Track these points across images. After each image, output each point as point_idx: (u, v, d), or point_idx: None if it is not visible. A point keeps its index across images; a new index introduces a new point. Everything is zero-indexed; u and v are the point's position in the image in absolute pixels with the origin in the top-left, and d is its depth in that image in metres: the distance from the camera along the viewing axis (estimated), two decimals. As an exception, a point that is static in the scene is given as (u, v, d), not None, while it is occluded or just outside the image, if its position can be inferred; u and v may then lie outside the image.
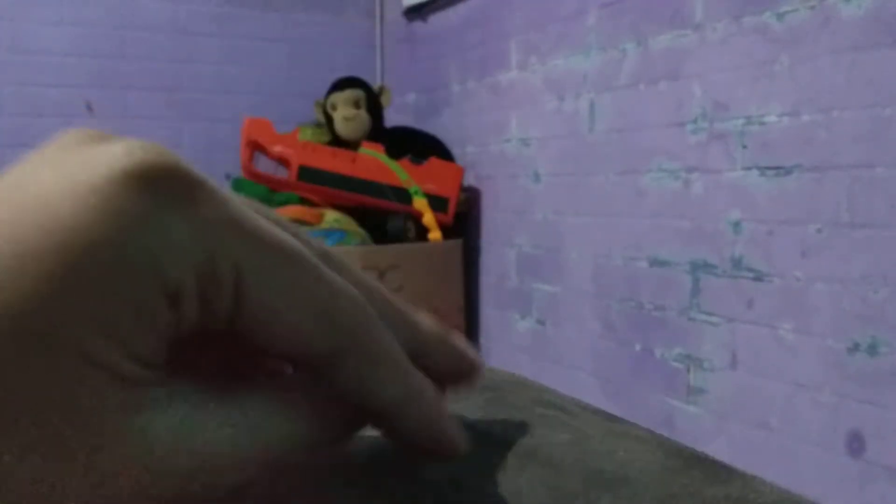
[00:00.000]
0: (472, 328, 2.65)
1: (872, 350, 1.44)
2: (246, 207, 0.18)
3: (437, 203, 2.51)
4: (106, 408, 0.16)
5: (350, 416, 0.20)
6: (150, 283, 0.16)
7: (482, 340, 2.64)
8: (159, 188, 0.16)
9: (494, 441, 0.23)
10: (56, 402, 0.16)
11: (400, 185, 2.49)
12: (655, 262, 1.92)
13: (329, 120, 2.65)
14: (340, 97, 2.62)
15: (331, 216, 2.44)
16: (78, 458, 0.16)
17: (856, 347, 1.46)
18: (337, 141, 2.62)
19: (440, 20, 2.85)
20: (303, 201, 2.52)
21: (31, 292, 0.15)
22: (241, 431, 0.18)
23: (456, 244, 2.56)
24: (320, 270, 0.18)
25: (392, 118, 2.83)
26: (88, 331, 0.16)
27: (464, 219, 2.63)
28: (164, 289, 0.17)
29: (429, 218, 2.48)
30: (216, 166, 3.00)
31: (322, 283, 0.18)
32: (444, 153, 2.68)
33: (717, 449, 1.73)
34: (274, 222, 0.19)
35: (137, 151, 0.17)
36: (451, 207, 2.53)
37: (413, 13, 3.01)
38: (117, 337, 0.16)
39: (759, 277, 1.65)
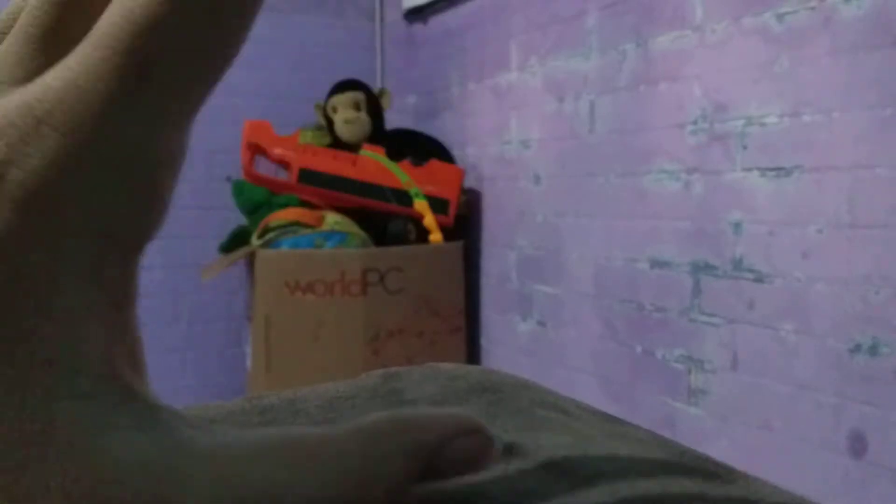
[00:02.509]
0: (472, 330, 2.65)
1: (873, 350, 1.43)
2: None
3: (437, 205, 2.51)
4: (68, 425, 0.15)
5: (395, 477, 0.18)
6: (104, 243, 0.16)
7: (483, 342, 2.64)
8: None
9: (496, 442, 0.23)
10: (11, 416, 0.14)
11: (400, 187, 2.49)
12: (656, 264, 1.92)
13: (329, 122, 2.65)
14: (341, 99, 2.62)
15: (331, 218, 2.44)
16: (27, 474, 0.14)
17: (857, 348, 1.46)
18: (337, 143, 2.62)
19: (440, 22, 2.85)
20: (303, 204, 2.52)
21: None
22: (240, 483, 0.16)
23: (457, 246, 2.56)
24: None
25: (392, 120, 2.83)
26: (47, 316, 0.15)
27: (464, 221, 2.64)
28: (113, 234, 0.16)
29: (429, 220, 2.48)
30: (217, 169, 3.01)
31: None
32: (444, 155, 2.68)
33: (719, 450, 1.73)
34: None
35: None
36: (452, 209, 2.53)
37: (413, 15, 3.01)
38: (81, 318, 0.15)
39: (759, 278, 1.65)
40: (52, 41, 0.17)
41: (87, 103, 0.15)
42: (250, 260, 2.42)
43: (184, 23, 0.16)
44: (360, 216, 2.50)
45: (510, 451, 0.22)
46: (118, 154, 0.15)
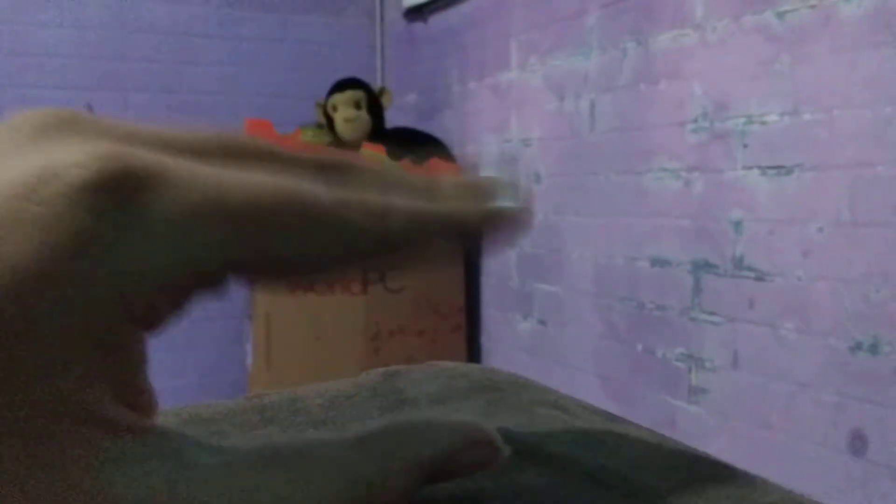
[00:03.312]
0: (473, 328, 2.65)
1: (874, 349, 1.43)
2: (212, 162, 0.17)
3: (438, 203, 2.51)
4: (79, 459, 0.14)
5: (404, 487, 0.17)
6: (116, 308, 0.15)
7: (483, 341, 2.64)
8: (110, 201, 0.15)
9: (496, 441, 0.23)
10: (16, 456, 0.14)
11: (401, 185, 2.49)
12: (656, 262, 1.92)
13: (330, 121, 2.65)
14: (341, 98, 2.62)
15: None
16: None
17: (857, 346, 1.46)
18: (338, 142, 2.62)
19: (440, 21, 2.85)
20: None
21: None
22: (244, 498, 0.16)
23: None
24: (313, 199, 0.17)
25: (393, 119, 2.83)
26: (50, 372, 0.14)
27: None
28: (135, 309, 0.15)
29: (430, 218, 2.48)
30: (217, 168, 3.00)
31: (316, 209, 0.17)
32: (444, 154, 2.68)
33: (719, 449, 1.73)
34: (242, 152, 0.18)
35: (81, 164, 0.15)
36: (452, 208, 2.53)
37: (413, 14, 3.01)
38: (91, 374, 0.15)
39: (760, 277, 1.65)
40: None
41: (177, 192, 0.16)
42: (251, 259, 2.42)
43: (299, 220, 0.17)
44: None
45: (510, 451, 0.22)
46: (167, 254, 0.16)
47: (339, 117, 2.62)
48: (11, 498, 0.14)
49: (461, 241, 0.20)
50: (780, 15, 1.59)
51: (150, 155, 0.16)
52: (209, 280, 0.17)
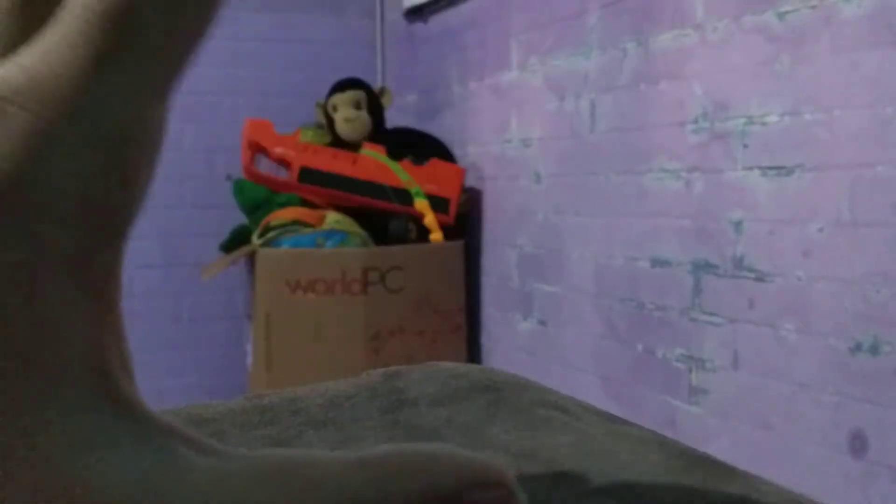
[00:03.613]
0: (473, 329, 2.65)
1: (874, 349, 1.43)
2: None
3: (438, 204, 2.51)
4: (50, 440, 0.14)
5: None
6: (72, 223, 0.14)
7: (484, 341, 2.64)
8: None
9: (496, 442, 0.23)
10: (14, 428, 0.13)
11: (401, 186, 2.49)
12: (657, 262, 1.92)
13: (330, 121, 2.65)
14: (341, 98, 2.62)
15: (332, 217, 2.44)
16: (10, 497, 0.13)
17: (858, 347, 1.46)
18: (338, 142, 2.62)
19: (441, 21, 2.85)
20: (304, 203, 2.52)
21: None
22: (227, 498, 0.15)
23: (457, 245, 2.56)
24: None
25: (393, 119, 2.83)
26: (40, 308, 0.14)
27: (465, 219, 2.63)
28: (93, 223, 0.14)
29: (430, 219, 2.48)
30: (217, 168, 3.01)
31: None
32: (445, 154, 2.68)
33: (719, 449, 1.73)
34: None
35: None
36: (453, 208, 2.53)
37: (413, 14, 3.01)
38: (61, 307, 0.14)
39: (760, 277, 1.65)
40: (28, 14, 0.16)
41: (60, 77, 0.14)
42: (251, 259, 2.42)
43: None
44: (360, 215, 2.50)
45: (510, 451, 0.22)
46: (95, 131, 0.14)
47: (339, 117, 2.62)
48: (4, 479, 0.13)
49: None
50: (781, 15, 1.59)
51: (14, 67, 0.15)
52: (150, 133, 0.16)
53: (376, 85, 2.91)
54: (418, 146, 2.65)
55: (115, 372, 0.15)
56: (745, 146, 1.68)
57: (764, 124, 1.64)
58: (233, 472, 0.15)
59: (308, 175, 2.44)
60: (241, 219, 2.63)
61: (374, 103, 2.65)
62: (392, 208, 2.49)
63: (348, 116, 2.60)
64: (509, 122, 2.47)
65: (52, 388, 0.14)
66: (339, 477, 0.16)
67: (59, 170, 0.14)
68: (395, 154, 2.55)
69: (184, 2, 0.15)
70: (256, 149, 2.49)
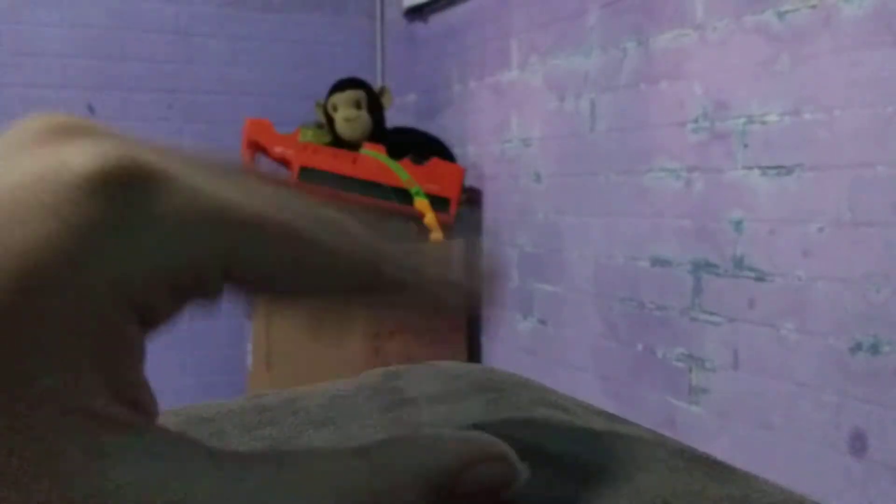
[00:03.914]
0: (473, 328, 2.65)
1: (874, 349, 1.43)
2: (217, 181, 0.17)
3: (438, 203, 2.51)
4: (76, 453, 0.14)
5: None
6: (118, 304, 0.15)
7: (484, 340, 2.64)
8: (119, 194, 0.15)
9: (496, 441, 0.23)
10: (10, 451, 0.14)
11: (401, 185, 2.49)
12: (657, 262, 1.92)
13: (330, 121, 2.65)
14: (341, 98, 2.62)
15: (332, 217, 2.44)
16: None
17: (858, 347, 1.46)
18: (338, 141, 2.62)
19: (441, 20, 2.85)
20: (304, 202, 2.52)
21: None
22: (240, 499, 0.15)
23: (457, 244, 2.56)
24: (306, 232, 0.18)
25: (393, 118, 2.83)
26: (51, 367, 0.14)
27: (465, 219, 2.63)
28: (136, 307, 0.15)
29: (430, 218, 2.48)
30: (217, 167, 3.00)
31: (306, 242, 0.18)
32: (445, 153, 2.68)
33: (719, 449, 1.73)
34: (246, 181, 0.18)
35: (93, 158, 0.15)
36: (453, 208, 2.53)
37: (414, 13, 3.01)
38: (89, 367, 0.15)
39: (760, 277, 1.65)
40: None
41: (182, 195, 0.16)
42: (251, 258, 2.42)
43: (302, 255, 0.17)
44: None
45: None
46: (173, 252, 0.16)
47: (339, 117, 2.62)
48: (9, 496, 0.14)
49: (438, 304, 0.20)
50: (781, 15, 1.59)
51: (158, 158, 0.16)
52: (207, 286, 0.17)
53: (376, 84, 2.91)
54: (418, 146, 2.65)
55: (125, 405, 0.16)
56: (746, 146, 1.68)
57: (764, 124, 1.64)
58: (235, 468, 0.16)
59: (308, 174, 2.44)
60: (241, 218, 2.63)
61: (374, 103, 2.65)
62: (392, 208, 2.49)
63: (348, 116, 2.60)
64: (509, 121, 2.47)
65: (69, 418, 0.14)
66: (343, 466, 0.16)
67: (129, 258, 0.15)
68: (395, 153, 2.55)
69: (304, 276, 0.18)
70: (256, 148, 2.49)
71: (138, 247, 0.15)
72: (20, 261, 0.14)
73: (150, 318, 0.16)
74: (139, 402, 0.16)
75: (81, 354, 0.15)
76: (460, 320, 2.56)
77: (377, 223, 0.21)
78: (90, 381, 0.15)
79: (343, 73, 2.77)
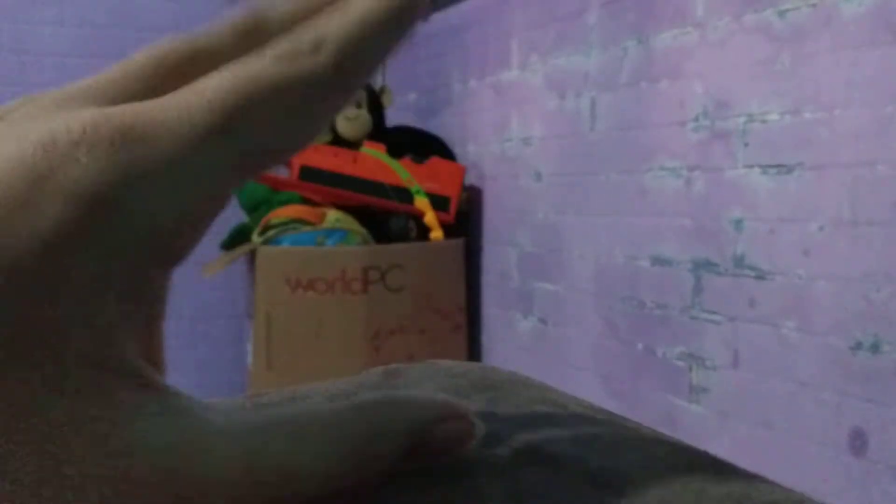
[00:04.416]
0: (473, 327, 2.65)
1: (875, 348, 1.43)
2: (182, 94, 0.17)
3: (438, 202, 2.51)
4: (103, 407, 0.15)
5: (391, 454, 0.19)
6: (142, 251, 0.16)
7: (484, 339, 2.64)
8: (112, 148, 0.16)
9: (495, 441, 0.23)
10: (41, 409, 0.15)
11: (401, 184, 2.49)
12: (657, 261, 1.92)
13: (330, 119, 2.65)
14: (342, 97, 2.62)
15: (332, 216, 2.44)
16: (59, 471, 0.15)
17: (858, 346, 1.46)
18: (338, 140, 2.62)
19: (441, 19, 2.85)
20: (304, 201, 2.52)
21: (13, 284, 0.15)
22: (257, 458, 0.17)
23: (457, 243, 2.56)
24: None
25: (393, 117, 2.83)
26: (82, 324, 0.15)
27: (465, 218, 2.63)
28: (159, 249, 0.16)
29: (430, 217, 2.48)
30: (218, 166, 3.00)
31: None
32: (445, 152, 2.68)
33: (720, 447, 1.73)
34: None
35: (85, 118, 0.16)
36: (453, 207, 2.53)
37: (414, 12, 3.00)
38: (117, 322, 0.16)
39: (760, 276, 1.65)
40: (155, 85, 0.18)
41: (168, 133, 0.16)
42: (251, 257, 2.42)
43: (277, 102, 0.17)
44: (361, 213, 2.50)
45: (509, 450, 0.22)
46: (181, 185, 0.16)
47: (339, 115, 2.62)
48: (40, 449, 0.15)
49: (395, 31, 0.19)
50: (781, 14, 1.59)
51: (128, 108, 0.17)
52: (223, 195, 0.18)
53: (376, 83, 2.90)
54: (419, 144, 2.65)
55: (149, 368, 0.17)
56: (746, 145, 1.68)
57: (764, 123, 1.64)
58: (246, 425, 0.17)
59: (308, 173, 2.44)
60: (241, 217, 2.63)
61: (374, 102, 2.65)
62: (392, 207, 2.49)
63: (348, 115, 2.60)
64: (510, 120, 2.47)
65: (94, 372, 0.15)
66: (337, 420, 0.18)
67: (140, 203, 0.16)
68: (395, 152, 2.55)
69: (290, 121, 0.17)
70: (257, 147, 2.48)
71: (148, 193, 0.16)
72: (40, 221, 0.15)
73: (175, 252, 0.17)
74: (156, 360, 0.18)
75: (111, 308, 0.16)
76: (461, 319, 2.57)
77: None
78: (120, 335, 0.16)
79: (343, 72, 2.77)
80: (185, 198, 0.16)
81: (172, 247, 0.17)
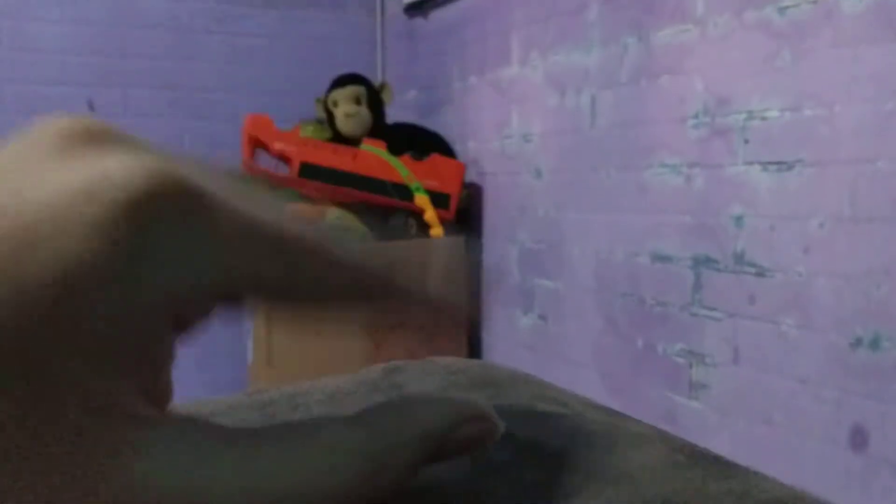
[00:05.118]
0: (474, 324, 2.65)
1: (875, 345, 1.43)
2: (237, 195, 0.18)
3: (438, 199, 2.51)
4: (103, 450, 0.15)
5: (406, 464, 0.18)
6: (158, 317, 0.16)
7: (484, 336, 2.64)
8: (163, 214, 0.16)
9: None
10: (44, 449, 0.15)
11: (401, 181, 2.49)
12: (657, 258, 1.92)
13: (330, 117, 2.65)
14: (341, 94, 2.62)
15: (332, 213, 2.44)
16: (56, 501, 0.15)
17: (858, 342, 1.46)
18: (338, 138, 2.62)
19: (441, 16, 2.85)
20: (304, 198, 2.52)
21: (25, 327, 0.14)
22: (268, 493, 0.16)
23: (458, 241, 2.56)
24: (324, 248, 0.19)
25: (393, 115, 2.83)
26: (88, 373, 0.15)
27: (465, 215, 2.63)
28: (173, 317, 0.16)
29: (430, 214, 2.48)
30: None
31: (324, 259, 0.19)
32: (445, 149, 2.67)
33: (720, 444, 1.73)
34: (255, 193, 0.19)
35: (137, 175, 0.16)
36: (453, 204, 2.53)
37: (414, 9, 3.00)
38: (123, 373, 0.15)
39: (760, 272, 1.65)
40: None
41: (218, 215, 0.17)
42: (251, 254, 2.42)
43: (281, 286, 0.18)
44: (360, 211, 2.49)
45: (509, 447, 0.22)
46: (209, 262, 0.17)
47: (339, 113, 2.62)
48: (38, 490, 0.15)
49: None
50: (782, 10, 1.59)
51: (189, 172, 0.17)
52: (236, 296, 0.18)
53: (376, 80, 2.90)
54: (419, 142, 2.64)
55: (151, 400, 0.17)
56: (746, 141, 1.68)
57: (764, 119, 1.64)
58: (248, 447, 0.17)
59: (308, 170, 2.44)
60: (241, 214, 2.63)
61: (374, 99, 2.65)
62: (392, 204, 2.49)
63: (349, 112, 2.60)
64: (510, 117, 2.47)
65: (97, 415, 0.15)
66: (344, 435, 0.18)
67: (166, 267, 0.16)
68: (395, 150, 2.54)
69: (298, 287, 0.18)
70: (257, 144, 2.49)
71: (176, 261, 0.16)
72: (63, 273, 0.15)
73: (184, 325, 0.17)
74: (161, 398, 0.17)
75: (118, 362, 0.15)
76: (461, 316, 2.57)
77: (374, 233, 0.22)
78: (124, 386, 0.16)
79: (343, 69, 2.77)
80: (212, 282, 0.17)
81: (188, 314, 0.17)
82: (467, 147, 2.69)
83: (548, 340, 2.32)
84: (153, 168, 0.16)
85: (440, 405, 0.19)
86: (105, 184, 0.16)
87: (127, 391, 0.16)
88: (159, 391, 0.17)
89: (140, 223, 0.15)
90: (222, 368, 3.07)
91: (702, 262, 1.79)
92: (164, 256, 0.16)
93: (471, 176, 2.65)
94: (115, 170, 0.16)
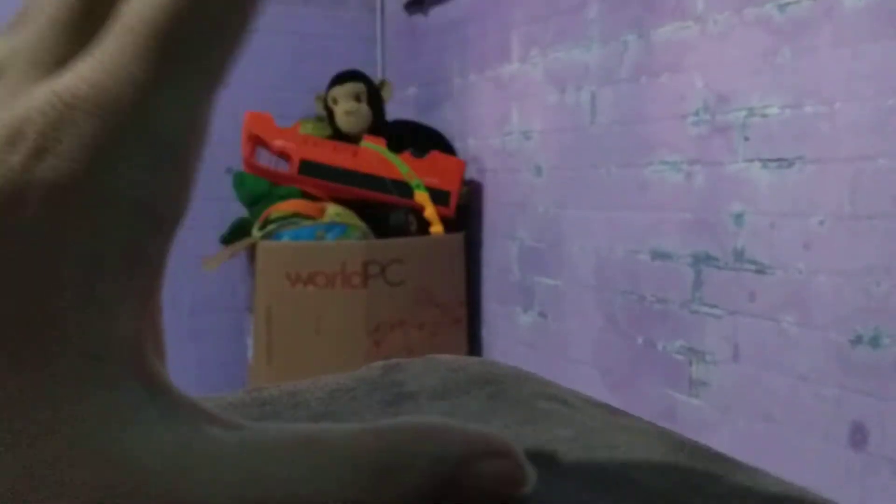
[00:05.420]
0: (473, 322, 2.65)
1: (875, 342, 1.43)
2: None
3: (438, 196, 2.51)
4: (86, 415, 0.15)
5: (414, 489, 0.17)
6: (138, 217, 0.16)
7: (484, 334, 2.64)
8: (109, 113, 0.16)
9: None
10: (25, 406, 0.14)
11: (401, 178, 2.49)
12: (657, 255, 1.92)
13: (330, 114, 2.65)
14: (341, 91, 2.62)
15: (332, 210, 2.44)
16: (43, 477, 0.14)
17: (858, 340, 1.46)
18: (338, 135, 2.62)
19: (441, 13, 2.84)
20: (304, 195, 2.52)
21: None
22: (266, 485, 0.16)
23: (458, 238, 2.56)
24: None
25: (393, 112, 2.83)
26: (75, 303, 0.15)
27: (465, 212, 2.63)
28: (153, 217, 0.16)
29: (430, 211, 2.48)
30: (217, 161, 3.00)
31: None
32: (445, 147, 2.67)
33: (720, 441, 1.73)
34: None
35: (78, 79, 0.16)
36: (453, 201, 2.53)
37: (414, 6, 3.00)
38: (112, 299, 0.15)
39: (761, 270, 1.65)
40: (80, 27, 0.17)
41: (121, 86, 0.16)
42: (251, 251, 2.42)
43: (205, 4, 0.16)
44: (361, 208, 2.50)
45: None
46: (153, 133, 0.16)
47: (339, 110, 2.61)
48: (19, 451, 0.14)
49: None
50: (782, 7, 1.59)
51: (73, 80, 0.16)
52: (198, 127, 0.17)
53: (376, 77, 2.90)
54: (419, 139, 2.64)
55: (147, 352, 0.16)
56: (746, 139, 1.68)
57: (765, 116, 1.64)
58: (256, 445, 0.16)
59: (308, 168, 2.44)
60: (241, 211, 2.63)
61: (374, 96, 2.64)
62: (392, 201, 2.49)
63: (348, 109, 2.60)
64: (510, 114, 2.46)
65: (91, 364, 0.15)
66: (355, 445, 0.17)
67: (122, 170, 0.15)
68: (395, 147, 2.54)
69: (226, 20, 0.17)
70: (256, 142, 2.49)
71: (126, 159, 0.16)
72: (24, 215, 0.15)
73: (165, 220, 0.16)
74: (158, 341, 0.17)
75: (106, 288, 0.15)
76: (461, 314, 2.57)
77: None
78: (118, 314, 0.15)
79: (343, 66, 2.77)
80: (162, 149, 0.16)
81: (163, 210, 0.16)
82: (467, 144, 2.69)
83: (548, 338, 2.32)
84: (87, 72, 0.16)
85: (456, 432, 0.18)
86: (51, 97, 0.16)
87: (122, 323, 0.15)
88: (153, 333, 0.17)
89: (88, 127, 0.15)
90: (222, 366, 3.07)
91: (702, 260, 1.79)
92: (110, 163, 0.15)
93: (471, 173, 2.65)
94: (61, 82, 0.16)
